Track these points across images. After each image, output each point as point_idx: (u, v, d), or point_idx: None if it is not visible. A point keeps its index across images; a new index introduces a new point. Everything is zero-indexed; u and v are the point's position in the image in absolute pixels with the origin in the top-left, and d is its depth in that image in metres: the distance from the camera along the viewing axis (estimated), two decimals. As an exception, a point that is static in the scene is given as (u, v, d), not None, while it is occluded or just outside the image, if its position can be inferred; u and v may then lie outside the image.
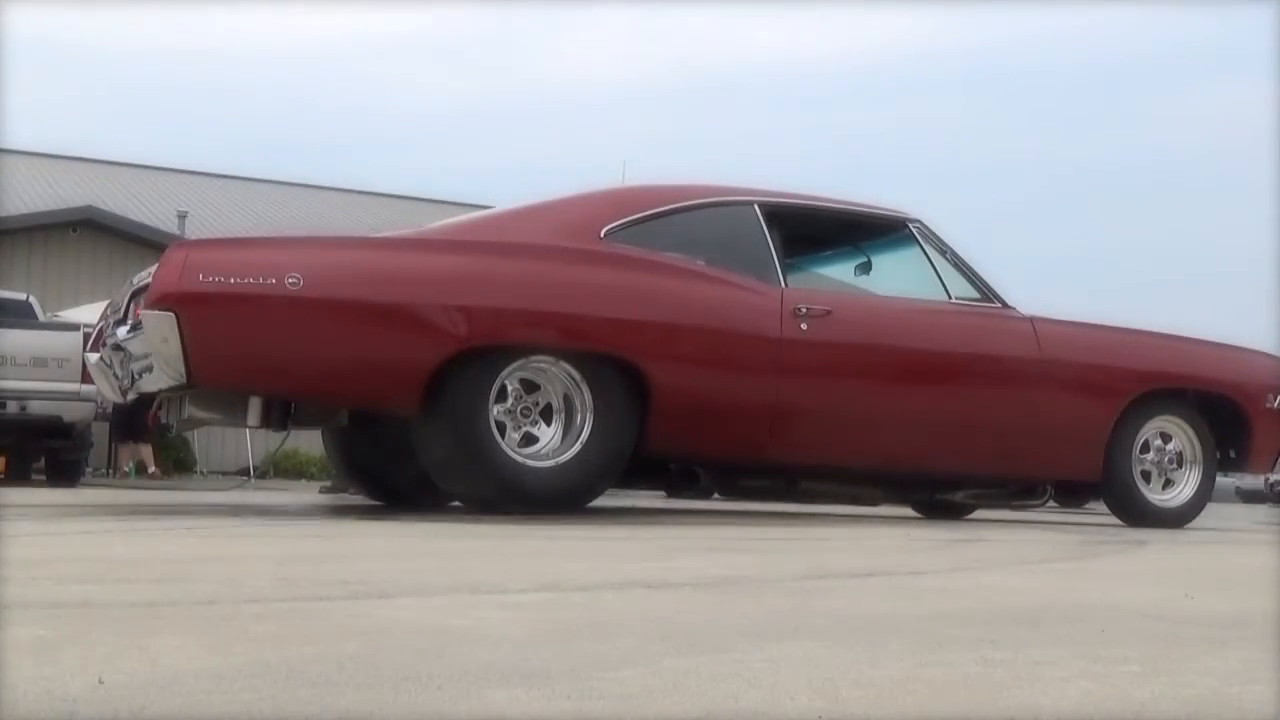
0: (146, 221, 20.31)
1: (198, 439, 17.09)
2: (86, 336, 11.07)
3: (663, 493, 7.26)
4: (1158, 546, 4.63)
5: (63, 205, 20.01)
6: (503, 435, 4.96)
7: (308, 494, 11.06)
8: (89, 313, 14.82)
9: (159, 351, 4.62)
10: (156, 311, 4.55)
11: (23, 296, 12.78)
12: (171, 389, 4.95)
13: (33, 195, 21.67)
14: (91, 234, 18.85)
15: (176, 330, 4.52)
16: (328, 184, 28.73)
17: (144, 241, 18.94)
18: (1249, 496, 30.81)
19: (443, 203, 27.68)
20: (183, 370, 4.58)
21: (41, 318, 12.51)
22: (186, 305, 4.55)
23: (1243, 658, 1.83)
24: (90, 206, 19.61)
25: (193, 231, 20.29)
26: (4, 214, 19.09)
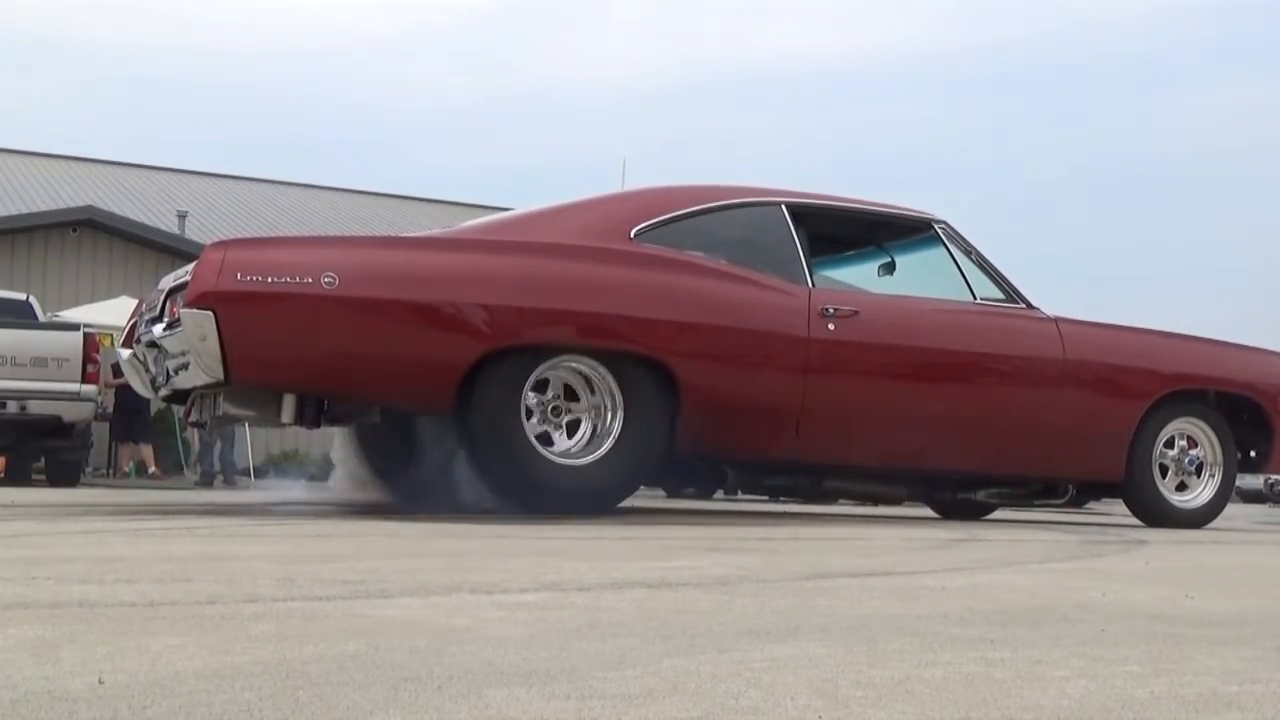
0: (147, 221, 20.31)
1: (197, 439, 17.05)
2: (87, 336, 11.11)
3: (662, 492, 7.28)
4: (1158, 546, 4.63)
5: (63, 205, 20.02)
6: (534, 434, 4.99)
7: (307, 494, 11.05)
8: (89, 313, 14.86)
9: (197, 349, 4.67)
10: (195, 310, 4.60)
11: (23, 296, 12.80)
12: (207, 386, 5.00)
13: (33, 195, 21.67)
14: (91, 234, 18.85)
15: (215, 328, 4.58)
16: (328, 184, 28.77)
17: (144, 241, 18.96)
18: (1249, 496, 30.81)
19: (443, 203, 27.71)
20: (220, 368, 4.63)
21: (41, 318, 12.52)
22: (224, 304, 4.60)
23: (1243, 658, 1.83)
24: (90, 206, 19.61)
25: (193, 232, 20.30)
26: (3, 214, 19.09)
